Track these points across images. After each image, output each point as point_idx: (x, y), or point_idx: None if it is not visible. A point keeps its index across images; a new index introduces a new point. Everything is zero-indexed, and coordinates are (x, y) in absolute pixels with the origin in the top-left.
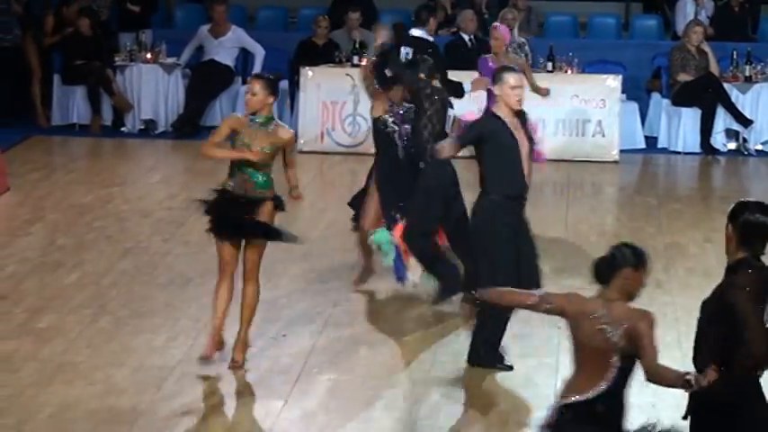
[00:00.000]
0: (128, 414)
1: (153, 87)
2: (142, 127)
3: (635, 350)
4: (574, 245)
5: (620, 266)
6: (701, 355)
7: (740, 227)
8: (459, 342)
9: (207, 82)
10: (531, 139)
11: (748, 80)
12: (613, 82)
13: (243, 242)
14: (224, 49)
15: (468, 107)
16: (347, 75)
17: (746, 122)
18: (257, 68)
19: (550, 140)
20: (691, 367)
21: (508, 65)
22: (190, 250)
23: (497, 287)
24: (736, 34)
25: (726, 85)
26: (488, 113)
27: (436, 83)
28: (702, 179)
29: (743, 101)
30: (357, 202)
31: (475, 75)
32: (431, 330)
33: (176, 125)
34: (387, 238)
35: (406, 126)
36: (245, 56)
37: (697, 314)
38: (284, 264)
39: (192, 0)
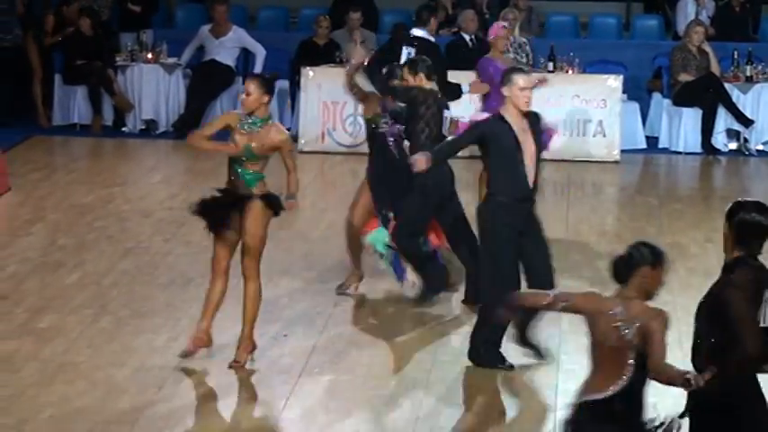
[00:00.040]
0: (128, 414)
1: (154, 87)
2: (143, 127)
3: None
4: (574, 245)
5: (638, 265)
6: (699, 355)
7: (736, 226)
8: (460, 342)
9: (208, 82)
10: (539, 142)
11: (749, 80)
12: (614, 82)
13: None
14: (225, 50)
15: (466, 109)
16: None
17: (747, 122)
18: (258, 68)
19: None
20: (691, 367)
21: (517, 66)
22: (191, 250)
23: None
24: (737, 34)
25: (727, 85)
26: (495, 115)
27: (433, 84)
28: (703, 179)
29: (744, 101)
30: None
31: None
32: (431, 330)
33: (177, 125)
34: (382, 239)
35: (398, 126)
36: (245, 56)
37: None
38: (285, 264)
39: (193, 0)
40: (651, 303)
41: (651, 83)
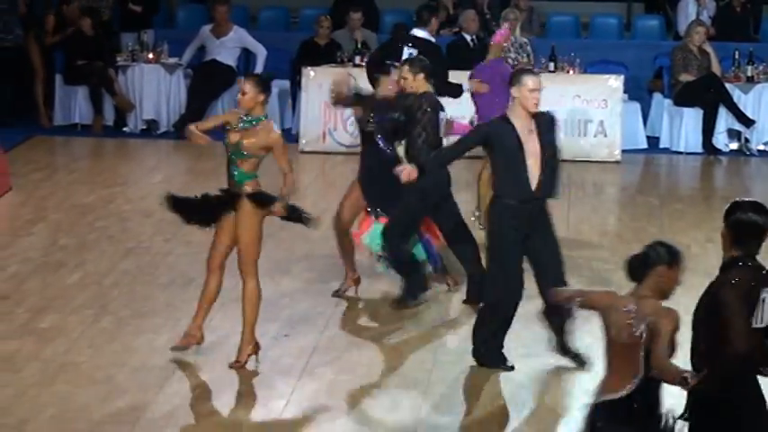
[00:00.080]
0: (129, 414)
1: (155, 87)
2: (144, 127)
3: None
4: (575, 245)
5: (654, 264)
6: (698, 354)
7: (732, 226)
8: (460, 342)
9: (209, 82)
10: (546, 143)
11: (750, 80)
12: (615, 82)
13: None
14: (226, 50)
15: (464, 110)
16: (349, 75)
17: (748, 122)
18: (259, 68)
19: None
20: (690, 367)
21: (526, 67)
22: (191, 250)
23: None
24: (738, 34)
25: (728, 86)
26: (500, 115)
27: (429, 86)
28: (704, 179)
29: (745, 101)
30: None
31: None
32: (432, 330)
33: (178, 125)
34: (377, 237)
35: (386, 122)
36: (246, 56)
37: None
38: (286, 264)
39: (194, 0)
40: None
41: (652, 83)
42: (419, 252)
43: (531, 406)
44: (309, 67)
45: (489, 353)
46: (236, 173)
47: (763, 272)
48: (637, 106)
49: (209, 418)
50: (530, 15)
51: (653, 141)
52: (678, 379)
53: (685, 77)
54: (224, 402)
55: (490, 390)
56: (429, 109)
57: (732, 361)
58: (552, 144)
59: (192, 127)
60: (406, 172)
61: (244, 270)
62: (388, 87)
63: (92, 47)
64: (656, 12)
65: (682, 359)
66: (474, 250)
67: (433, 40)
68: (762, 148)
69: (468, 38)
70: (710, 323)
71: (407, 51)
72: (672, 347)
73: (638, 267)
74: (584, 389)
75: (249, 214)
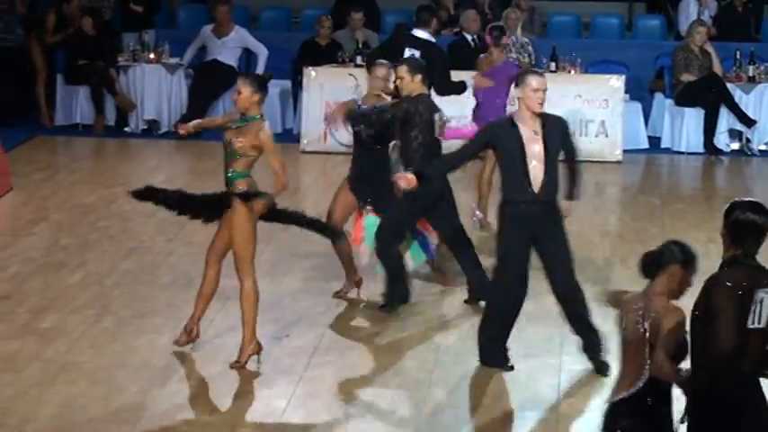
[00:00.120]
0: (131, 414)
1: (156, 87)
2: (145, 127)
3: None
4: (577, 245)
5: (668, 263)
6: (693, 352)
7: (731, 225)
8: (462, 342)
9: (210, 82)
10: (551, 145)
11: (751, 80)
12: (616, 82)
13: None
14: (227, 50)
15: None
16: (350, 75)
17: (750, 122)
18: (260, 68)
19: None
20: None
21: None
22: (193, 250)
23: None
24: (740, 34)
25: (729, 86)
26: (508, 117)
27: (424, 88)
28: (706, 179)
29: (746, 101)
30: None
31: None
32: (433, 331)
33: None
34: (371, 235)
35: (369, 107)
36: (248, 56)
37: None
38: (287, 264)
39: (196, 0)
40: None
41: (653, 83)
42: (415, 252)
43: (532, 406)
44: (311, 67)
45: (492, 353)
46: (229, 172)
47: (760, 272)
48: (638, 106)
49: (211, 418)
50: (531, 15)
51: (654, 141)
52: (674, 378)
53: (687, 77)
54: (225, 402)
55: (492, 390)
56: (425, 110)
57: (717, 360)
58: (559, 147)
59: (190, 123)
60: (406, 180)
61: (239, 270)
62: (376, 82)
63: (93, 47)
64: (657, 11)
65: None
66: (470, 251)
67: (433, 40)
68: (763, 148)
69: (469, 38)
70: (705, 321)
71: (409, 52)
72: (681, 347)
73: (651, 265)
74: (585, 389)
75: (240, 213)
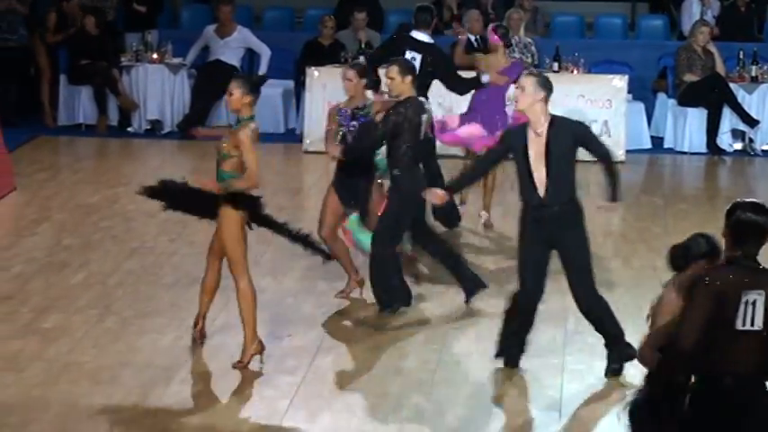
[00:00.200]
0: (133, 414)
1: (159, 87)
2: (148, 127)
3: None
4: None
5: (695, 256)
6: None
7: (732, 226)
8: (464, 343)
9: (212, 82)
10: (556, 148)
11: (754, 80)
12: (619, 82)
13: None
14: (230, 50)
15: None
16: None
17: (753, 123)
18: (263, 69)
19: None
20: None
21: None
22: (195, 250)
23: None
24: (743, 34)
25: (732, 86)
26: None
27: (413, 90)
28: (708, 179)
29: (749, 101)
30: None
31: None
32: (435, 331)
33: (182, 125)
34: (357, 232)
35: (354, 123)
36: (250, 56)
37: None
38: (289, 264)
39: (198, 0)
40: None
41: (656, 83)
42: (365, 244)
43: (535, 406)
44: (313, 68)
45: (509, 351)
46: (222, 175)
47: (757, 274)
48: (641, 106)
49: (213, 418)
50: (534, 15)
51: (657, 141)
52: (651, 368)
53: (689, 77)
54: (227, 402)
55: (494, 390)
56: (414, 116)
57: (676, 356)
58: (566, 151)
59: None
60: (437, 196)
61: (232, 271)
62: (346, 84)
63: (96, 47)
64: (660, 12)
65: None
66: (444, 248)
67: (433, 42)
68: (766, 147)
69: (472, 38)
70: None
71: (409, 55)
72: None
73: (679, 258)
74: (588, 389)
75: (226, 219)
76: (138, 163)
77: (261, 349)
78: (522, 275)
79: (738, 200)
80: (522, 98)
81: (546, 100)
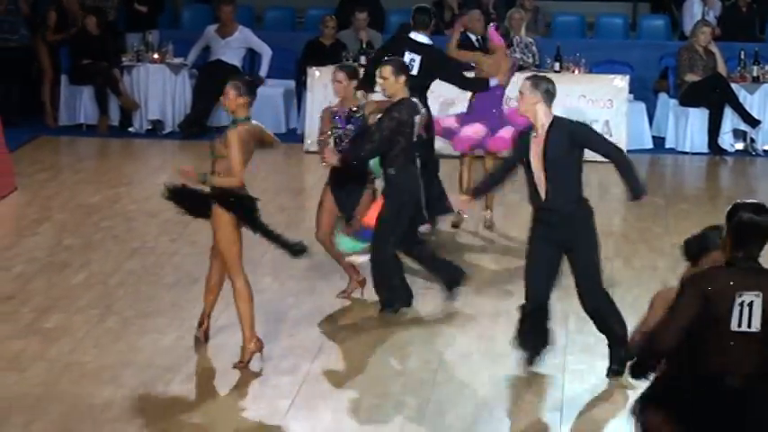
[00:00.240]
0: (134, 413)
1: (160, 88)
2: (149, 127)
3: None
4: None
5: (711, 248)
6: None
7: (734, 227)
8: (466, 342)
9: (214, 82)
10: (549, 150)
11: (756, 80)
12: (621, 82)
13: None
14: (231, 50)
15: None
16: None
17: (754, 123)
18: (264, 69)
19: None
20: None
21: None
22: (197, 250)
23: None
24: (744, 34)
25: (733, 86)
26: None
27: (406, 91)
28: (710, 179)
29: (750, 101)
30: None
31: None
32: (437, 331)
33: (183, 125)
34: (348, 244)
35: (349, 126)
36: (252, 56)
37: None
38: (290, 263)
39: (200, 0)
40: None
41: (658, 83)
42: (345, 244)
43: (537, 406)
44: (315, 68)
45: (526, 350)
46: (213, 173)
47: (758, 275)
48: (642, 106)
49: (214, 418)
50: (535, 15)
51: (658, 141)
52: (635, 352)
53: (691, 77)
54: (229, 402)
55: (495, 390)
56: (408, 118)
57: (653, 349)
58: (563, 153)
59: None
60: (462, 202)
61: (227, 270)
62: (336, 86)
63: (97, 46)
64: (661, 12)
65: None
66: (429, 250)
67: (431, 43)
68: (767, 148)
69: (473, 38)
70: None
71: (408, 56)
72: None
73: (694, 249)
74: (589, 389)
75: (218, 220)
76: (139, 163)
77: (260, 347)
78: (527, 275)
79: (739, 201)
80: (521, 101)
81: (546, 102)
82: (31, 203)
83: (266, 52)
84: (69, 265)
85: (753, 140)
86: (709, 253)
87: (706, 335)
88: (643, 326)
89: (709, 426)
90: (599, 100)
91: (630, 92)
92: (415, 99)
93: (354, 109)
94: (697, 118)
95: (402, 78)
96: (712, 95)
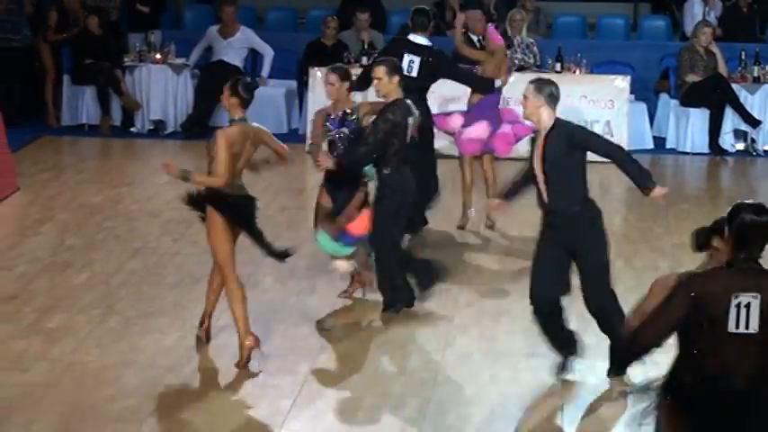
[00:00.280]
0: (136, 413)
1: (162, 88)
2: (151, 127)
3: None
4: None
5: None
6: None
7: (736, 228)
8: (467, 343)
9: (216, 82)
10: (548, 153)
11: (756, 81)
12: (622, 82)
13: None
14: (233, 50)
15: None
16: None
17: (755, 123)
18: (266, 69)
19: None
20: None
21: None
22: (198, 250)
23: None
24: (745, 35)
25: (734, 86)
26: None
27: (400, 92)
28: (711, 180)
29: (751, 101)
30: None
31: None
32: (438, 331)
33: (185, 125)
34: (325, 242)
35: (344, 129)
36: (254, 56)
37: None
38: (291, 263)
39: (202, 1)
40: None
41: (658, 83)
42: (323, 241)
43: (537, 406)
44: (316, 68)
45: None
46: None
47: (758, 276)
48: (643, 107)
49: (216, 417)
50: (536, 16)
51: (659, 142)
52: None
53: (692, 78)
54: (230, 402)
55: (496, 390)
56: (401, 119)
57: (635, 344)
58: (560, 156)
59: None
60: (494, 205)
61: (219, 271)
62: (328, 88)
63: (99, 47)
64: (662, 12)
65: None
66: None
67: (431, 45)
68: None
69: (474, 38)
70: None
71: (408, 58)
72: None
73: (703, 239)
74: (590, 389)
75: (210, 221)
76: (141, 163)
77: (257, 343)
78: (531, 276)
79: (739, 201)
80: (525, 105)
81: (549, 105)
82: (33, 203)
83: (268, 53)
84: (71, 265)
85: (753, 141)
86: (712, 244)
87: (703, 336)
88: (638, 310)
89: (712, 427)
90: (600, 100)
91: (631, 92)
92: (408, 100)
93: (348, 111)
94: (698, 118)
95: (396, 78)
96: (713, 96)
